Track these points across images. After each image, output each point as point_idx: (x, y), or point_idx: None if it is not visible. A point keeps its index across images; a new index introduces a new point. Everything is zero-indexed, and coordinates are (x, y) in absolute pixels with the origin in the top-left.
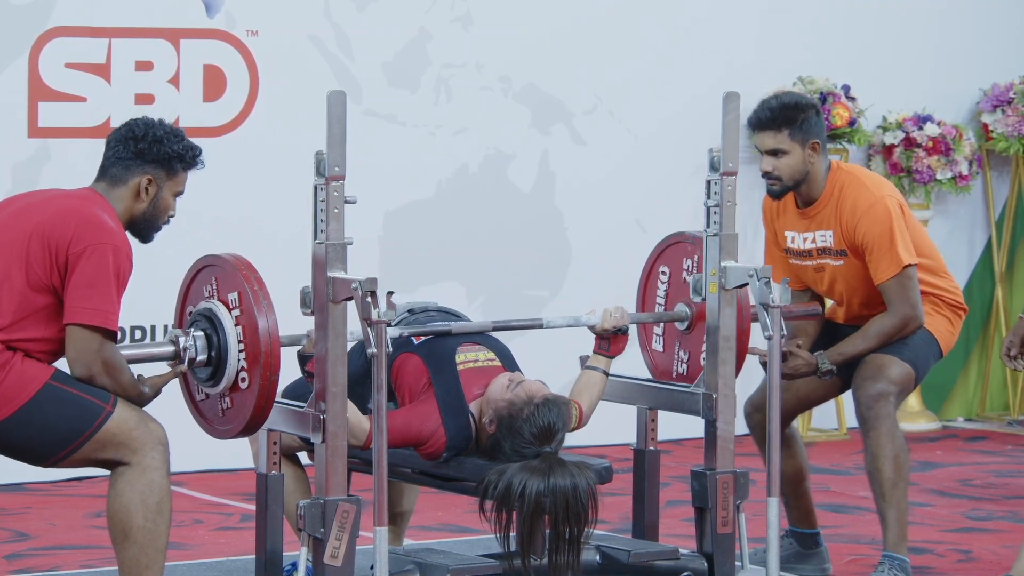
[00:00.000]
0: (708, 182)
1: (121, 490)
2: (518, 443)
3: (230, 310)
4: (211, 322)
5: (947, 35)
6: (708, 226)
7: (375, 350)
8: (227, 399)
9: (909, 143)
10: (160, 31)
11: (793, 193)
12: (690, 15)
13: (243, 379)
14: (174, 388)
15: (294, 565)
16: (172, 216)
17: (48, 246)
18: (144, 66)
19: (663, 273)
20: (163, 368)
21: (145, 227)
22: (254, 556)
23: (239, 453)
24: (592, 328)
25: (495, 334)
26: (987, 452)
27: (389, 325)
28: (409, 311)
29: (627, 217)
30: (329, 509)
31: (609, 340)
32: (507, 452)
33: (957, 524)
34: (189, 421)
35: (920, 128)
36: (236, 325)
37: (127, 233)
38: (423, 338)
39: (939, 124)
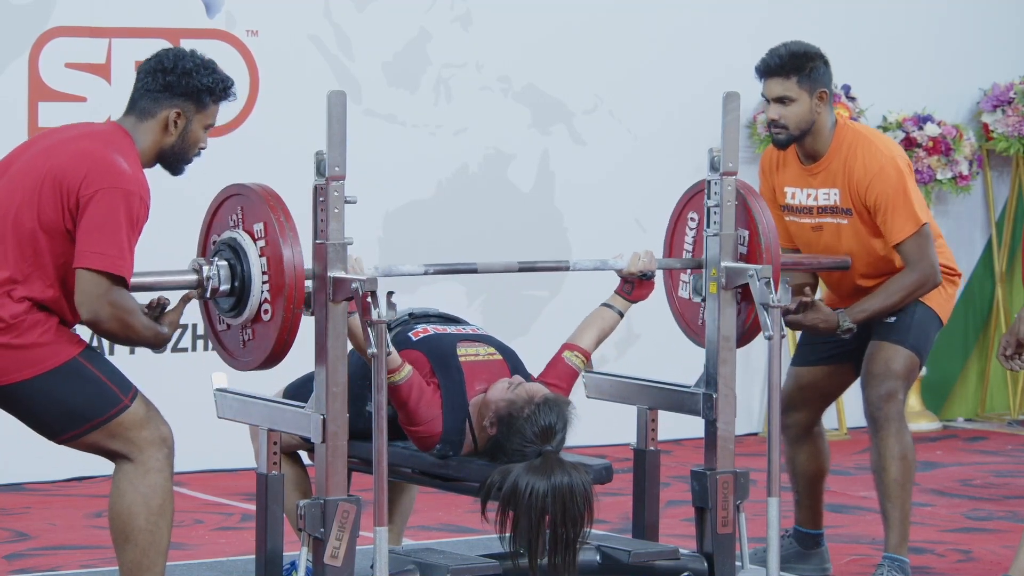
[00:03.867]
0: (708, 182)
1: (124, 490)
2: (519, 443)
3: (255, 240)
4: (235, 252)
5: (947, 35)
6: (708, 226)
7: (375, 350)
8: (248, 330)
9: (909, 143)
10: (160, 31)
11: (796, 148)
12: (689, 15)
13: (266, 311)
14: (175, 383)
15: (293, 564)
16: (203, 148)
17: (59, 190)
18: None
19: (691, 220)
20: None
21: (175, 160)
22: (254, 556)
23: (239, 453)
24: (619, 272)
25: (496, 335)
26: (987, 452)
27: (389, 327)
28: (410, 315)
29: (627, 217)
30: (329, 509)
31: (633, 284)
32: (508, 452)
33: (957, 524)
34: (189, 420)
35: (920, 128)
36: (260, 256)
37: (159, 166)
38: (421, 335)
39: (939, 124)
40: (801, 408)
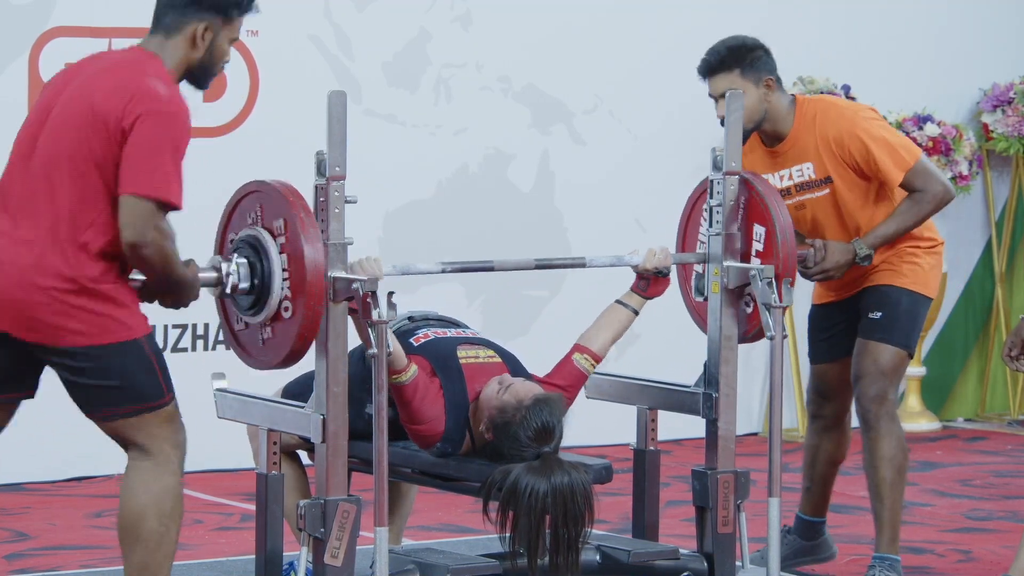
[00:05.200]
0: (711, 182)
1: (136, 491)
2: (516, 447)
3: (275, 237)
4: (255, 249)
5: (947, 35)
6: (711, 226)
7: (376, 350)
8: (268, 329)
9: None
10: None
11: (758, 134)
12: (690, 15)
13: (286, 308)
14: (175, 383)
15: (291, 565)
16: (227, 62)
17: (104, 124)
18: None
19: (706, 211)
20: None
21: (201, 75)
22: (254, 556)
23: (239, 453)
24: (635, 268)
25: (496, 335)
26: (987, 452)
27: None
28: (409, 318)
29: (627, 217)
30: (329, 509)
31: (648, 280)
32: (508, 456)
33: (957, 524)
34: (189, 420)
35: (920, 128)
36: (281, 253)
37: (186, 82)
38: (422, 340)
39: (939, 124)
40: (834, 398)
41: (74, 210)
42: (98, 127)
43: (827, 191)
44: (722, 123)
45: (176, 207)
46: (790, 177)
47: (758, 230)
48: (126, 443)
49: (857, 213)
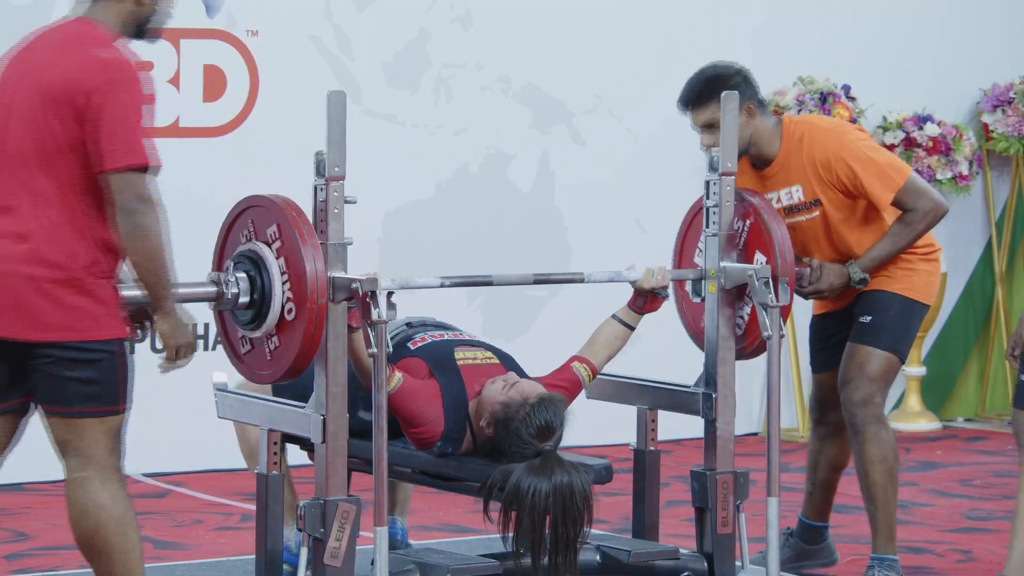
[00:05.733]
0: (708, 182)
1: (86, 506)
2: (517, 444)
3: (270, 245)
4: (253, 263)
5: (947, 35)
6: (707, 226)
7: (375, 350)
8: (274, 339)
9: (909, 143)
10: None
11: (747, 158)
12: (690, 15)
13: (289, 311)
14: (175, 383)
15: (290, 551)
16: (168, 14)
17: (61, 107)
18: (144, 66)
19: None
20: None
21: (144, 23)
22: (254, 556)
23: (239, 453)
24: (632, 284)
25: (496, 335)
26: (987, 452)
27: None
28: (407, 324)
29: (627, 217)
30: (329, 509)
31: (646, 298)
32: (508, 453)
33: (957, 524)
34: (189, 420)
35: (920, 128)
36: (278, 258)
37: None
38: (420, 343)
39: (939, 124)
40: (835, 407)
41: (53, 196)
42: (55, 111)
43: (817, 213)
44: (707, 152)
45: (158, 166)
46: (779, 200)
47: (759, 259)
48: (66, 447)
49: (846, 235)
